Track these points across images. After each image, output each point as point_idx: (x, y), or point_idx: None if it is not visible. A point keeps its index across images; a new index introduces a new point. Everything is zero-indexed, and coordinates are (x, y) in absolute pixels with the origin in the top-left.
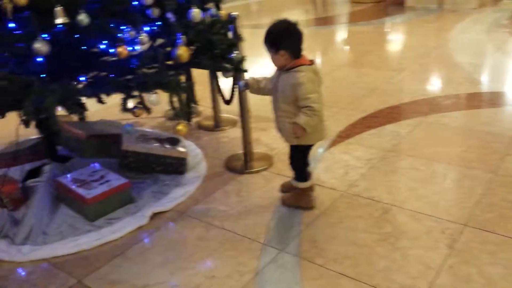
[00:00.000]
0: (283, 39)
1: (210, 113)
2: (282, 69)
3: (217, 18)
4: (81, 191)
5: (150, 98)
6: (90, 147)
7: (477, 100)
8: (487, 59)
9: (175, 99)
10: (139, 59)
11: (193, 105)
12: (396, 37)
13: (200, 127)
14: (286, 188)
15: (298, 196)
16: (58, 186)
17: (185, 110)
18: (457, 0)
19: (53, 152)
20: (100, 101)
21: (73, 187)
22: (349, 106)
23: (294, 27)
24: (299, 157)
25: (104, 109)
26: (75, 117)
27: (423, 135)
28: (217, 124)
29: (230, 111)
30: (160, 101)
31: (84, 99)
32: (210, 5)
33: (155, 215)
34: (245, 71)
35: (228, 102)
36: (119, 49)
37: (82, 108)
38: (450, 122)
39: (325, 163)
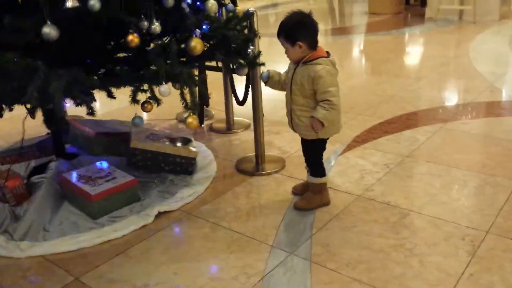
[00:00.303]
0: (299, 30)
1: (223, 117)
2: (298, 62)
3: (233, 13)
4: (86, 187)
5: (161, 89)
6: (98, 144)
7: (499, 109)
8: (509, 69)
9: (186, 90)
10: (151, 48)
11: (206, 108)
12: (414, 46)
13: (212, 129)
14: (298, 191)
15: (310, 198)
16: (63, 182)
17: (196, 103)
18: (478, 11)
19: (61, 149)
20: (111, 95)
21: (78, 183)
22: (365, 112)
23: (309, 18)
24: (315, 152)
25: (115, 111)
26: (84, 115)
27: (442, 141)
28: (230, 127)
29: (243, 115)
30: (170, 92)
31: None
32: (227, 0)
33: (161, 215)
34: (262, 64)
35: (241, 103)
36: (130, 37)
37: (90, 97)
38: (470, 130)
39: (339, 167)
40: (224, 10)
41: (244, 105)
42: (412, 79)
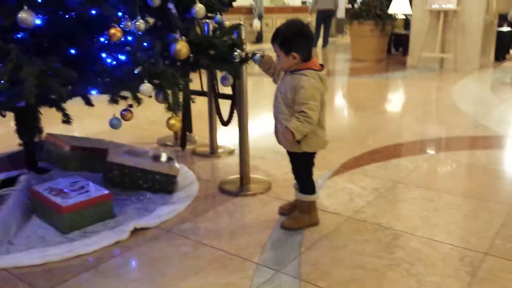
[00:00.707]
0: (296, 40)
1: (206, 142)
2: (287, 71)
3: (220, 25)
4: (56, 199)
5: (142, 88)
6: (73, 160)
7: (487, 142)
8: (492, 109)
9: (169, 91)
10: (133, 44)
11: (188, 133)
12: (397, 88)
13: (195, 153)
14: (285, 211)
15: (298, 217)
16: (33, 195)
17: (179, 103)
18: (459, 60)
19: (33, 163)
20: (89, 102)
21: (49, 195)
22: (352, 141)
23: (307, 29)
24: (303, 166)
25: (95, 135)
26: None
27: (433, 169)
28: (213, 151)
29: (227, 142)
30: (151, 92)
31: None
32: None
33: (137, 231)
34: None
35: (226, 123)
36: (112, 30)
37: (65, 89)
38: (460, 160)
39: (328, 190)
40: (212, 21)
41: (229, 128)
42: (397, 115)
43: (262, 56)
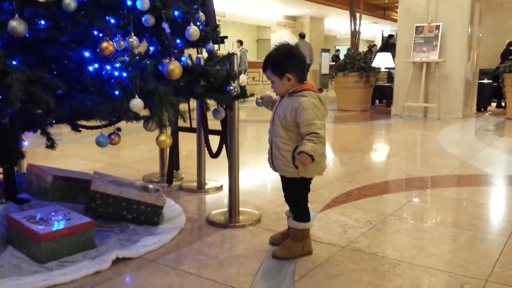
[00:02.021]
0: (288, 61)
1: (193, 178)
2: (284, 94)
3: (212, 54)
4: (34, 226)
5: (132, 103)
6: (54, 191)
7: (476, 180)
8: (479, 152)
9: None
10: (126, 61)
11: (175, 171)
12: (384, 133)
13: (182, 189)
14: (276, 240)
15: (291, 245)
16: (9, 223)
17: (171, 120)
18: (442, 110)
19: (12, 193)
20: (76, 127)
21: (26, 222)
22: (342, 178)
23: (296, 50)
24: (298, 193)
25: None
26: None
27: (425, 204)
28: (200, 186)
29: (215, 177)
30: (142, 107)
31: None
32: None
33: (119, 262)
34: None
35: (215, 155)
36: (104, 44)
37: (53, 99)
38: (452, 195)
39: (320, 222)
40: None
41: (216, 165)
42: (385, 156)
43: (262, 98)
